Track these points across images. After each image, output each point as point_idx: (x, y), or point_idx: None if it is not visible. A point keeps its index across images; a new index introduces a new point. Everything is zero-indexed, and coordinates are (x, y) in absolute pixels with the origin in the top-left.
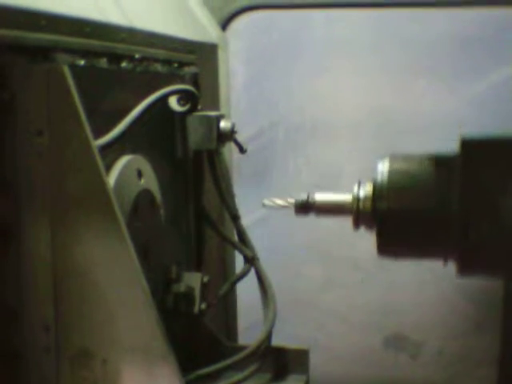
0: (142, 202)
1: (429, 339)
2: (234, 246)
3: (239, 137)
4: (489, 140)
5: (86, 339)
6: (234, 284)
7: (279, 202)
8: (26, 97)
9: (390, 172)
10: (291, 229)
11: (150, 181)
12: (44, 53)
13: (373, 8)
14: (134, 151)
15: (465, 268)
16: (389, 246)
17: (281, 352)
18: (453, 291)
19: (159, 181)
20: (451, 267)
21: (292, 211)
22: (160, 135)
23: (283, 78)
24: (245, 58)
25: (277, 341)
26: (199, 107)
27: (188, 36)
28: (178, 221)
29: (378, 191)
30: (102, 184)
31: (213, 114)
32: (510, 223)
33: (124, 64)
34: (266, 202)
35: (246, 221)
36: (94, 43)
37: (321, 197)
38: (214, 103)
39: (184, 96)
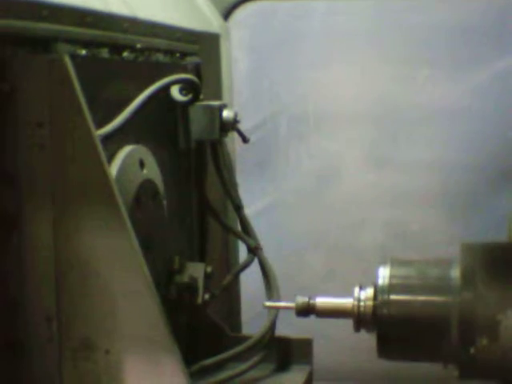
0: (145, 192)
1: None
2: (237, 236)
3: (242, 127)
4: (490, 249)
5: (88, 330)
6: (237, 274)
7: (281, 304)
8: (26, 88)
9: (391, 277)
10: (295, 219)
11: (152, 171)
12: (45, 43)
13: None
14: (136, 141)
15: (464, 375)
16: (389, 350)
17: (284, 342)
18: None
19: (162, 171)
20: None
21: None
22: (162, 125)
23: (285, 68)
24: (247, 48)
25: (280, 331)
26: (201, 97)
27: (190, 26)
28: (181, 211)
29: (379, 297)
30: (104, 174)
31: (215, 103)
32: (509, 339)
33: (126, 54)
34: (268, 303)
35: (249, 211)
36: (96, 33)
37: (322, 300)
38: (217, 93)
39: (186, 86)
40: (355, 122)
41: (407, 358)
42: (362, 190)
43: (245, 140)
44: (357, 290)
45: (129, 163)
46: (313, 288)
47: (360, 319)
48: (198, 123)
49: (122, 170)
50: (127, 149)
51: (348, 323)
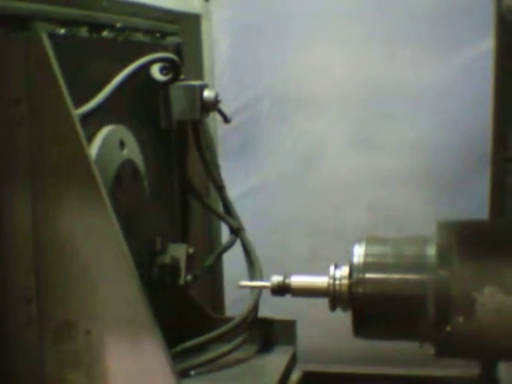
0: (125, 172)
1: None
2: (220, 217)
3: (225, 109)
4: (465, 226)
5: (68, 311)
6: (219, 255)
7: (256, 283)
8: (4, 65)
9: (367, 256)
10: (278, 201)
11: (133, 151)
12: (23, 22)
13: None
14: (116, 121)
15: (440, 354)
16: (364, 328)
17: (268, 323)
18: None
19: (143, 151)
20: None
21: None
22: (143, 105)
23: (268, 50)
24: (229, 29)
25: (264, 313)
26: (182, 77)
27: (170, 6)
28: (163, 192)
29: (355, 275)
30: (83, 154)
31: (196, 83)
32: (485, 317)
33: (105, 33)
34: (243, 283)
35: (232, 194)
36: (75, 12)
37: (297, 279)
38: (198, 74)
39: (166, 65)
40: (339, 104)
41: (383, 337)
42: (345, 172)
43: (226, 120)
44: (332, 268)
45: (109, 143)
46: (296, 270)
47: (335, 298)
48: (178, 103)
49: (101, 149)
50: (107, 129)
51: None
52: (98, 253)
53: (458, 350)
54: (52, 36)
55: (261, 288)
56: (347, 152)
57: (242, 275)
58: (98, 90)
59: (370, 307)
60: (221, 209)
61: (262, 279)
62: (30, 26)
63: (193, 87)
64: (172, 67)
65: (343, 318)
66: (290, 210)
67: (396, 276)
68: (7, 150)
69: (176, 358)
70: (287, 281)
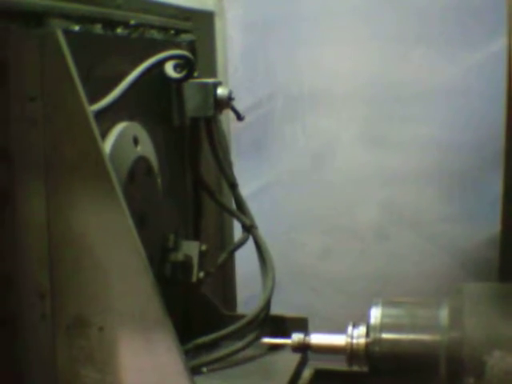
0: (139, 169)
1: None
2: (232, 215)
3: (238, 106)
4: (478, 290)
5: (81, 307)
6: (232, 252)
7: (278, 341)
8: (19, 62)
9: (383, 317)
10: (290, 199)
11: (146, 148)
12: (38, 18)
13: None
14: (130, 118)
15: None
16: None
17: (280, 320)
18: (453, 262)
19: (156, 148)
20: (451, 237)
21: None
22: (157, 102)
23: (281, 47)
24: (242, 27)
25: (276, 310)
26: (196, 74)
27: (184, 3)
28: (176, 189)
29: (371, 335)
30: (98, 150)
31: (210, 80)
32: (494, 379)
33: (119, 30)
34: (266, 340)
35: (245, 191)
36: (89, 9)
37: (316, 338)
38: (211, 71)
39: (180, 62)
40: (351, 101)
41: None
42: (357, 169)
43: (239, 117)
44: (350, 327)
45: (123, 140)
46: (309, 267)
47: (353, 355)
48: (192, 100)
49: (115, 146)
50: (121, 125)
51: (344, 305)
52: (111, 249)
53: None
54: (67, 33)
55: (282, 345)
56: (359, 149)
57: (255, 273)
58: (113, 86)
59: (385, 365)
60: (233, 206)
61: (274, 277)
62: (45, 23)
63: (206, 84)
64: (186, 64)
65: (355, 315)
66: (302, 208)
67: (410, 336)
68: (22, 147)
69: (188, 354)
70: (307, 339)
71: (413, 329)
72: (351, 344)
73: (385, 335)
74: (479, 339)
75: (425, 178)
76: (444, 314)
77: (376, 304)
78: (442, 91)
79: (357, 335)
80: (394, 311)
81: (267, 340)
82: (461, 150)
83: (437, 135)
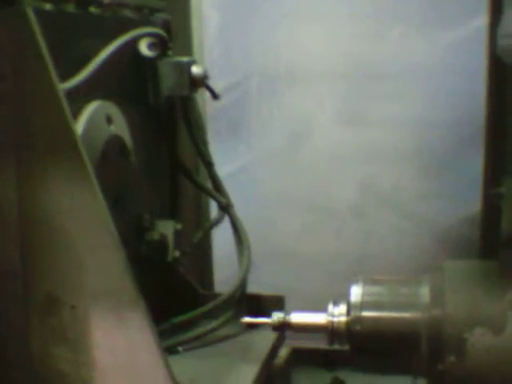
0: (112, 148)
1: None
2: (208, 194)
3: (214, 86)
4: (458, 268)
5: (53, 286)
6: (208, 231)
7: (258, 320)
8: None
9: (364, 295)
10: (268, 179)
11: (120, 127)
12: None
13: None
14: (103, 97)
15: None
16: (361, 362)
17: (256, 299)
18: (432, 240)
19: (131, 127)
20: (430, 215)
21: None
22: (131, 81)
23: (257, 26)
24: (218, 6)
25: (254, 290)
26: (170, 53)
27: None
28: (151, 168)
29: (352, 313)
30: (69, 129)
31: (184, 59)
32: (475, 357)
33: (92, 9)
34: (246, 319)
35: (222, 172)
36: None
37: (296, 317)
38: (187, 51)
39: (154, 41)
40: (328, 80)
41: (379, 371)
42: (335, 148)
43: (215, 96)
44: (331, 306)
45: (95, 119)
46: (287, 246)
47: (334, 334)
48: (167, 79)
49: (88, 125)
50: (94, 104)
51: (322, 284)
52: (83, 228)
53: None
54: (39, 11)
55: (263, 324)
56: (337, 128)
57: (233, 254)
58: (85, 66)
59: (366, 343)
60: (210, 185)
61: (249, 255)
62: (15, 1)
63: (181, 63)
64: (160, 43)
65: (334, 294)
66: (280, 188)
67: (391, 314)
68: None
69: (164, 334)
70: (287, 318)
71: (394, 307)
72: (332, 322)
73: (365, 313)
74: (460, 317)
75: (403, 156)
76: (425, 292)
77: (356, 282)
78: (421, 69)
79: (337, 313)
80: (374, 289)
81: (247, 319)
82: (440, 129)
83: (415, 113)
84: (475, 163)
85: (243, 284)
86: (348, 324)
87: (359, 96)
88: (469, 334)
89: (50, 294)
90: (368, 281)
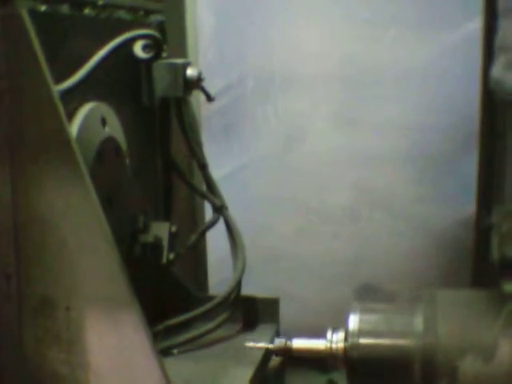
0: (107, 149)
1: (401, 291)
2: (202, 195)
3: (209, 88)
4: (452, 297)
5: (48, 288)
6: (202, 233)
7: (260, 345)
8: None
9: (361, 322)
10: (262, 182)
11: (114, 128)
12: None
13: None
14: (98, 99)
15: None
16: None
17: (251, 301)
18: (426, 243)
19: (125, 129)
20: (425, 218)
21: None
22: (125, 83)
23: (252, 29)
24: (213, 8)
25: (248, 293)
26: (165, 55)
27: None
28: (146, 170)
29: (350, 339)
30: (64, 130)
31: (179, 61)
32: (466, 382)
33: (87, 10)
34: (249, 344)
35: (217, 174)
36: None
37: (297, 343)
38: (181, 52)
39: (148, 42)
40: (323, 83)
41: None
42: (330, 151)
43: (209, 98)
44: (329, 333)
45: (90, 120)
46: (281, 249)
47: (332, 360)
48: (161, 81)
49: (83, 126)
50: (89, 106)
51: (316, 287)
52: (77, 230)
53: None
54: (33, 13)
55: (264, 348)
56: (331, 132)
57: (227, 256)
58: (80, 67)
59: (362, 368)
60: (204, 187)
61: (244, 256)
62: (10, 3)
63: (175, 65)
64: (154, 44)
65: (328, 297)
66: (275, 190)
67: (387, 342)
68: None
69: (158, 336)
70: (289, 343)
71: (389, 335)
72: (331, 348)
73: (362, 340)
74: (452, 345)
75: (398, 159)
76: (418, 321)
77: (354, 310)
78: (416, 73)
79: (336, 340)
80: (371, 317)
81: (250, 344)
82: (434, 132)
83: (410, 117)
84: (470, 167)
85: (238, 286)
86: (346, 350)
87: (354, 99)
88: (460, 362)
89: (44, 296)
90: (365, 309)
